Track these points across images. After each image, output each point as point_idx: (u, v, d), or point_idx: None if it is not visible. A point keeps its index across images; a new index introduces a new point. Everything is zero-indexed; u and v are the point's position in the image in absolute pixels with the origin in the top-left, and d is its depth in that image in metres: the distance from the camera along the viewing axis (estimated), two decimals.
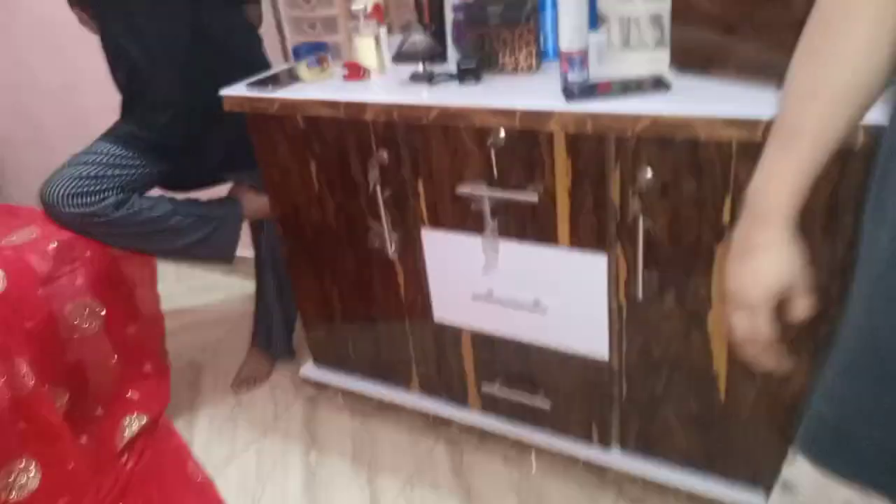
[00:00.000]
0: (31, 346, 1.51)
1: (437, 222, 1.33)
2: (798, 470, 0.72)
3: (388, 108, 1.24)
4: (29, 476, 1.49)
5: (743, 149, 0.97)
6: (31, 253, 1.59)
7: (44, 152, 2.66)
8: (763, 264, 0.68)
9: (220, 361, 2.03)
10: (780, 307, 0.70)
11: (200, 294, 2.41)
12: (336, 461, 1.62)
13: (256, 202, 1.75)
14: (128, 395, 1.68)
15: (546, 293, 1.28)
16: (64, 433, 1.50)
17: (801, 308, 0.70)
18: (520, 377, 1.42)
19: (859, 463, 0.63)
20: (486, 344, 1.43)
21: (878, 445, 0.61)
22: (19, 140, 2.88)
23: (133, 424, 1.66)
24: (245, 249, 2.22)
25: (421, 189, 1.31)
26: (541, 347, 1.35)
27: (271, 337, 1.95)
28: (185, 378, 1.97)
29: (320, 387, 1.78)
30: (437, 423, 1.64)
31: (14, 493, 1.46)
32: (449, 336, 1.47)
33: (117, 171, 1.57)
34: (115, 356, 1.70)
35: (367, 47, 1.36)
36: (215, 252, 1.75)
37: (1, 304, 1.49)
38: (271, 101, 1.37)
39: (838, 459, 0.65)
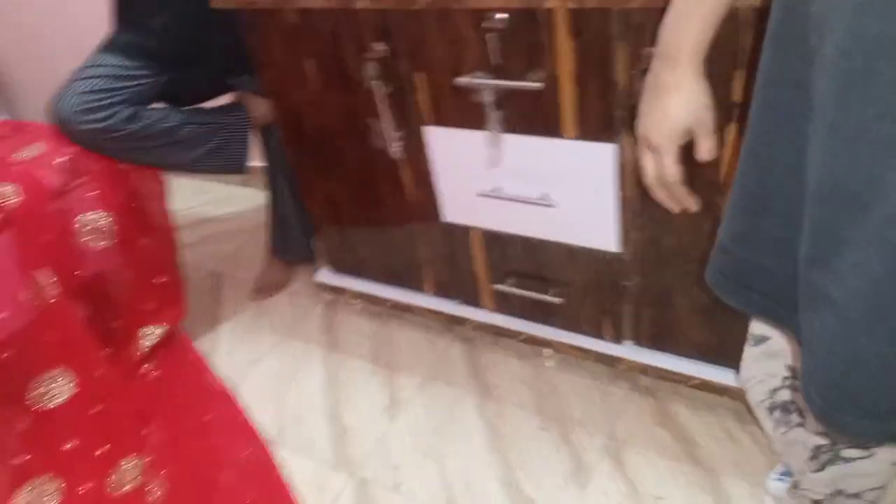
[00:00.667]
0: (49, 260, 1.54)
1: (440, 118, 1.29)
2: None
3: None
4: (63, 385, 1.55)
5: (757, 14, 0.89)
6: (41, 168, 1.59)
7: (44, 68, 2.63)
8: (671, 103, 0.72)
9: (240, 271, 2.06)
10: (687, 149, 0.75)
11: (217, 206, 2.41)
12: (356, 362, 1.65)
13: (263, 106, 1.71)
14: (144, 307, 1.72)
15: (554, 187, 1.24)
16: (90, 342, 1.55)
17: (706, 149, 0.75)
18: (531, 274, 1.41)
19: (739, 284, 0.72)
20: (496, 242, 1.41)
21: (755, 266, 0.69)
22: (18, 57, 2.85)
23: (150, 335, 1.71)
24: (258, 160, 2.19)
25: (420, 83, 1.25)
26: (550, 243, 1.32)
27: (288, 244, 1.95)
28: (205, 288, 2.00)
29: (337, 292, 1.80)
30: (452, 323, 1.65)
31: (48, 402, 1.53)
32: (458, 236, 1.45)
33: (125, 84, 1.53)
34: (129, 269, 1.73)
35: None
36: (228, 163, 1.74)
37: (16, 219, 1.51)
38: None
39: (725, 282, 0.74)
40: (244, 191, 2.46)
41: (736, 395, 1.28)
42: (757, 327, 0.82)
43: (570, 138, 1.16)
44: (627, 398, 1.41)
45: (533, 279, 1.41)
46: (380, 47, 1.25)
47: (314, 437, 1.48)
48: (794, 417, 0.83)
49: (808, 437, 0.81)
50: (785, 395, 0.83)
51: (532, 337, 1.49)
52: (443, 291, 1.60)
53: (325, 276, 1.80)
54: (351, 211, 1.60)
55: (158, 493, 1.40)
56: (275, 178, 1.89)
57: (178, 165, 1.71)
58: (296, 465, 1.40)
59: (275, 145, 1.83)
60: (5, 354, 1.50)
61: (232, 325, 1.86)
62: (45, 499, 1.43)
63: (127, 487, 1.39)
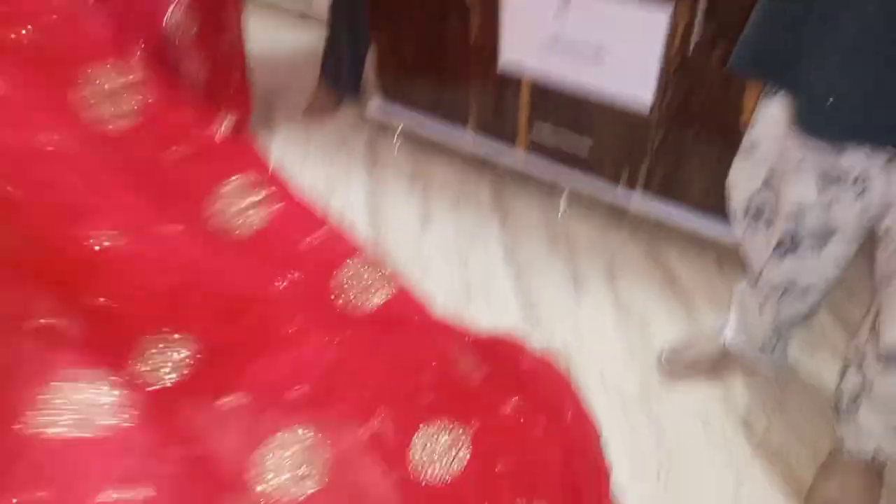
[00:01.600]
0: (140, 42, 1.71)
1: None
2: (757, 130, 1.00)
3: None
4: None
5: None
6: None
7: None
8: None
9: (291, 93, 2.24)
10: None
11: (269, 42, 2.55)
12: (394, 181, 1.88)
13: None
14: (219, 98, 1.90)
15: (608, 43, 1.44)
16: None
17: None
18: (568, 121, 1.62)
19: (760, 61, 0.93)
20: (543, 89, 1.61)
21: (770, 44, 0.90)
22: None
23: (223, 122, 1.90)
24: (316, 5, 2.33)
25: None
26: (592, 94, 1.53)
27: (340, 75, 2.13)
28: (258, 110, 2.18)
29: (383, 127, 2.00)
30: (485, 165, 1.87)
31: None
32: (511, 78, 1.65)
33: None
34: (207, 64, 1.91)
35: None
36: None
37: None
38: None
39: (750, 62, 0.95)
40: (302, 21, 2.60)
41: (721, 247, 1.53)
42: (751, 133, 1.05)
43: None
44: (627, 242, 1.66)
45: (569, 126, 1.62)
46: None
47: (356, 231, 1.72)
48: (762, 223, 1.08)
49: (773, 233, 1.06)
50: (759, 199, 1.07)
51: (555, 185, 1.72)
52: (484, 130, 1.81)
53: (375, 106, 1.99)
54: (415, 47, 1.78)
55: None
56: (336, 11, 2.04)
57: None
58: None
59: None
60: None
61: (283, 136, 2.06)
62: None
63: None
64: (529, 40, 1.54)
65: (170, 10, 1.80)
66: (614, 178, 1.63)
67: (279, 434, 0.91)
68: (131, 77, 1.02)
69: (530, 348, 1.36)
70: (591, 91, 1.53)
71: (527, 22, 1.53)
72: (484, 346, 1.34)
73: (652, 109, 1.47)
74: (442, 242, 1.68)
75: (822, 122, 0.82)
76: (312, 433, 1.02)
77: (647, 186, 1.59)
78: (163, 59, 1.80)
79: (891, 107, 0.76)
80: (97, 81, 0.96)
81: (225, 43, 1.94)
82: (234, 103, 1.92)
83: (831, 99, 0.79)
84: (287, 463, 0.90)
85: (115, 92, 0.98)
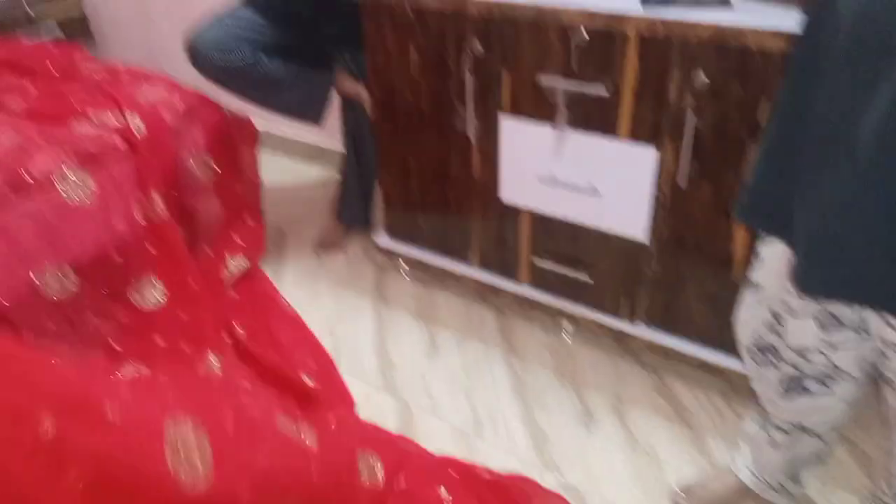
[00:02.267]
0: (161, 185, 1.82)
1: (516, 110, 1.56)
2: (760, 270, 1.02)
3: (489, 5, 1.46)
4: (156, 292, 1.82)
5: (783, 59, 1.17)
6: (164, 109, 1.88)
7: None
8: None
9: (302, 230, 2.33)
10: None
11: (283, 176, 2.69)
12: (401, 314, 1.91)
13: (349, 83, 2.01)
14: (233, 239, 1.99)
15: (602, 179, 1.51)
16: (187, 258, 1.82)
17: None
18: (567, 254, 1.67)
19: (758, 213, 0.96)
20: (543, 223, 1.67)
21: (770, 198, 0.93)
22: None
23: (235, 264, 1.98)
24: (327, 141, 2.49)
25: (506, 78, 1.53)
26: (590, 228, 1.59)
27: (349, 209, 2.23)
28: (272, 240, 2.27)
29: (390, 255, 2.06)
30: (489, 294, 1.91)
31: (146, 304, 1.80)
32: (511, 215, 1.72)
33: (255, 36, 1.85)
34: (224, 206, 2.01)
35: None
36: (309, 111, 2.04)
37: (140, 148, 1.79)
38: None
39: (749, 213, 0.99)
40: (308, 167, 2.75)
41: (727, 377, 1.53)
42: (754, 275, 1.07)
43: (623, 139, 1.43)
44: (633, 370, 1.66)
45: (569, 259, 1.67)
46: (477, 46, 1.53)
47: (365, 365, 1.73)
48: (771, 358, 1.08)
49: (781, 372, 1.06)
50: (768, 339, 1.08)
51: (559, 310, 1.74)
52: (487, 263, 1.86)
53: (382, 239, 2.06)
54: (419, 183, 1.87)
55: (241, 385, 1.65)
56: (348, 151, 2.17)
57: (274, 105, 2.01)
58: (349, 385, 1.65)
59: (353, 122, 2.12)
60: (118, 260, 1.77)
61: (293, 272, 2.12)
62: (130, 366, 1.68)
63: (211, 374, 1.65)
64: (527, 177, 1.63)
65: (190, 157, 1.93)
66: (615, 308, 1.65)
67: None
68: None
69: (542, 490, 1.34)
70: (589, 225, 1.59)
71: (524, 160, 1.62)
72: (498, 487, 1.32)
73: (647, 243, 1.52)
74: (449, 375, 1.69)
75: (814, 282, 0.84)
76: None
77: (648, 316, 1.61)
78: (183, 204, 1.91)
79: (874, 268, 0.77)
80: None
81: (241, 185, 2.05)
82: (247, 244, 2.01)
83: (820, 257, 0.81)
84: None
85: None
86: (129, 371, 1.70)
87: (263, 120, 2.18)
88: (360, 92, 1.97)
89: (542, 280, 1.76)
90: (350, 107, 2.11)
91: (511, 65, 1.51)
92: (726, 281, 1.44)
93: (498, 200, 1.72)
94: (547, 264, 1.71)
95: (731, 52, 1.22)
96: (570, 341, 1.76)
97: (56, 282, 1.66)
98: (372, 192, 2.24)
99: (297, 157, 2.79)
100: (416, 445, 1.46)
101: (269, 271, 2.09)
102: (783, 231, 0.95)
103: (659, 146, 1.40)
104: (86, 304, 1.72)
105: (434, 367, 1.71)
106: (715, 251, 1.43)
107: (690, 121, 1.32)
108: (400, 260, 2.05)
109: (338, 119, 2.17)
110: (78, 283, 1.70)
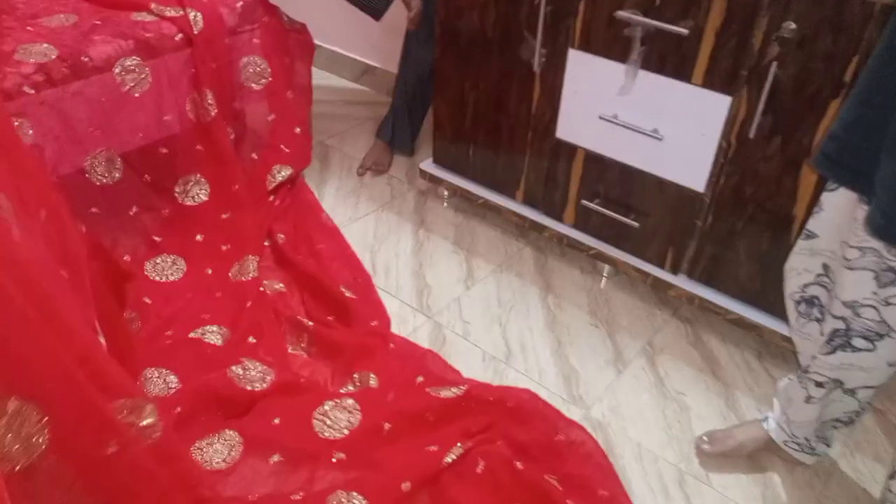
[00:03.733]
0: (214, 84, 1.80)
1: (587, 44, 1.52)
2: (818, 220, 1.01)
3: None
4: (200, 189, 1.83)
5: (883, 11, 1.12)
6: (222, 6, 1.85)
7: None
8: None
9: (346, 147, 2.32)
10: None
11: (330, 93, 2.66)
12: (440, 240, 1.92)
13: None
14: (279, 148, 1.98)
15: (666, 124, 1.48)
16: (233, 159, 1.82)
17: None
18: (617, 199, 1.65)
19: (839, 163, 0.96)
20: (597, 164, 1.65)
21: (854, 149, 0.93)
22: None
23: (280, 173, 1.97)
24: (379, 60, 2.45)
25: (582, 10, 1.49)
26: (645, 173, 1.57)
27: (396, 133, 2.21)
28: (315, 154, 2.26)
29: (434, 182, 2.05)
30: (530, 231, 1.90)
31: (188, 199, 1.81)
32: (565, 152, 1.70)
33: None
34: (273, 114, 2.00)
35: None
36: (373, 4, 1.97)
37: (197, 42, 1.77)
38: None
39: (829, 163, 0.98)
40: (355, 85, 2.71)
41: (763, 336, 1.53)
42: (811, 223, 1.06)
43: (696, 84, 1.40)
44: (668, 320, 1.67)
45: (618, 203, 1.66)
46: None
47: (401, 284, 1.75)
48: (815, 312, 1.08)
49: (826, 326, 1.06)
50: (814, 290, 1.08)
51: (600, 253, 1.74)
52: (531, 201, 1.85)
53: (428, 165, 2.05)
54: (474, 112, 1.84)
55: (275, 287, 1.67)
56: (404, 70, 2.14)
57: None
58: (384, 302, 1.67)
59: (411, 45, 2.07)
60: (164, 151, 1.77)
61: (336, 188, 2.12)
62: (171, 272, 1.71)
63: (245, 278, 1.67)
64: (588, 115, 1.60)
65: (244, 59, 1.91)
66: (660, 259, 1.65)
67: None
68: None
69: (565, 418, 1.36)
70: (645, 170, 1.56)
71: (587, 97, 1.59)
72: (522, 413, 1.34)
73: (704, 193, 1.50)
74: (483, 304, 1.70)
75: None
76: None
77: (692, 269, 1.60)
78: (234, 106, 1.90)
79: None
80: None
81: (292, 94, 2.03)
82: (293, 153, 2.00)
83: None
84: None
85: None
86: (167, 262, 1.72)
87: (318, 34, 2.14)
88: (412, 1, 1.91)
89: (586, 222, 1.75)
90: (410, 37, 2.07)
91: None
92: (781, 241, 1.42)
93: (553, 137, 1.70)
94: (594, 207, 1.69)
95: (827, 1, 1.18)
96: (607, 286, 1.77)
97: (104, 167, 1.67)
98: (421, 117, 2.21)
99: (346, 74, 2.75)
100: (444, 362, 1.49)
101: (311, 184, 2.08)
102: (860, 183, 0.93)
103: (733, 94, 1.36)
104: (130, 193, 1.73)
105: (469, 295, 1.73)
106: (775, 208, 1.41)
107: (772, 71, 1.28)
108: (443, 188, 2.04)
109: (391, 39, 2.13)
110: (124, 171, 1.71)
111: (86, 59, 1.59)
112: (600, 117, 1.57)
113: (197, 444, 1.26)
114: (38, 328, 0.88)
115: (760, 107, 1.33)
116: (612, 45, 1.48)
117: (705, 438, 1.34)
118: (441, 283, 1.76)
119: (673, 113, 1.46)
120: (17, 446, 0.86)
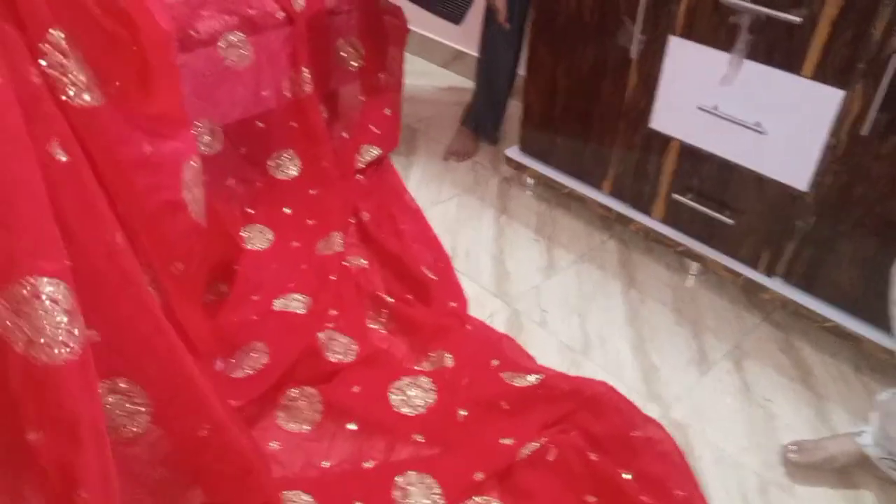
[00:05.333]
0: (311, 62, 1.85)
1: (689, 31, 1.47)
2: None
3: None
4: (291, 165, 1.88)
5: None
6: None
7: None
8: None
9: (433, 132, 2.33)
10: None
11: (419, 78, 2.68)
12: (521, 227, 1.90)
13: None
14: (369, 129, 2.02)
15: (770, 118, 1.41)
16: (325, 137, 1.86)
17: None
18: (712, 194, 1.59)
19: None
20: (692, 157, 1.59)
21: None
22: None
23: (368, 153, 2.01)
24: (468, 46, 2.44)
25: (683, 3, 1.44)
26: (744, 168, 1.50)
27: (479, 118, 2.21)
28: (402, 137, 2.28)
29: (518, 169, 2.03)
30: (615, 223, 1.86)
31: (280, 174, 1.86)
32: (658, 144, 1.64)
33: None
34: (364, 95, 2.03)
35: None
36: (451, 11, 2.01)
37: (297, 20, 1.81)
38: None
39: None
40: (443, 71, 2.73)
41: (861, 347, 1.43)
42: None
43: (806, 76, 1.32)
44: (759, 324, 1.59)
45: (712, 199, 1.59)
46: None
47: (481, 269, 1.75)
48: None
49: None
50: None
51: (689, 250, 1.68)
52: (618, 193, 1.80)
53: (513, 152, 2.03)
54: (565, 99, 1.81)
55: (358, 263, 1.71)
56: (484, 59, 2.12)
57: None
58: (463, 285, 1.67)
59: (491, 31, 2.05)
60: (260, 125, 1.83)
61: (421, 172, 2.14)
62: (260, 242, 1.77)
63: (329, 252, 1.71)
64: (686, 106, 1.54)
65: (340, 40, 1.95)
66: (754, 259, 1.57)
67: None
68: None
69: (642, 414, 1.32)
70: (744, 165, 1.50)
71: (686, 87, 1.53)
72: (598, 406, 1.31)
73: (807, 192, 1.42)
74: (563, 294, 1.67)
75: None
76: None
77: (788, 272, 1.52)
78: (328, 85, 1.94)
79: None
80: None
81: (384, 76, 2.06)
82: (382, 134, 2.03)
83: None
84: None
85: None
86: (255, 231, 1.78)
87: (410, 17, 2.16)
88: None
89: (676, 217, 1.69)
90: (490, 15, 2.05)
91: None
92: (890, 247, 1.33)
93: (647, 128, 1.65)
94: (686, 201, 1.63)
95: None
96: (694, 284, 1.70)
97: (207, 137, 1.74)
98: (503, 104, 2.20)
99: (436, 60, 2.77)
100: (520, 348, 1.47)
101: (397, 166, 2.11)
102: None
103: (847, 88, 1.28)
104: (228, 165, 1.80)
105: (548, 284, 1.70)
106: (885, 212, 1.32)
107: (892, 65, 1.20)
108: (527, 176, 2.02)
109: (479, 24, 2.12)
110: (223, 143, 1.78)
111: (193, 33, 1.66)
112: (699, 108, 1.51)
113: (282, 402, 1.31)
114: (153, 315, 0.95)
115: (877, 103, 1.24)
116: (716, 32, 1.42)
117: (793, 448, 1.27)
118: (520, 271, 1.75)
119: (778, 106, 1.39)
120: (124, 420, 0.93)
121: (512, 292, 1.68)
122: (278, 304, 1.55)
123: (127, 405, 0.95)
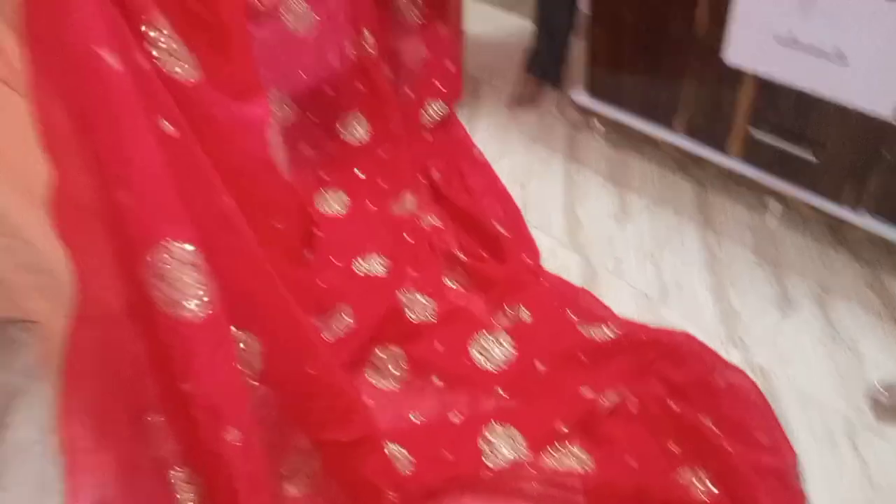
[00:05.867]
0: (372, 23, 1.85)
1: None
2: None
3: None
4: (360, 127, 1.91)
5: None
6: None
7: None
8: None
9: (496, 81, 2.30)
10: None
11: (480, 24, 2.63)
12: (592, 175, 1.88)
13: None
14: (433, 83, 2.01)
15: (853, 44, 1.33)
16: (390, 97, 1.88)
17: None
18: (792, 128, 1.52)
19: None
20: (769, 91, 1.52)
21: None
22: None
23: (433, 108, 2.01)
24: None
25: None
26: (826, 100, 1.42)
27: (541, 63, 2.16)
28: (466, 89, 2.27)
29: (585, 114, 1.99)
30: (690, 164, 1.81)
31: (349, 136, 1.90)
32: (732, 79, 1.57)
33: None
34: (429, 49, 2.02)
35: None
36: None
37: None
38: None
39: None
40: (507, 14, 2.66)
41: None
42: None
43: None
44: (845, 262, 1.54)
45: (793, 133, 1.52)
46: None
47: (552, 220, 1.75)
48: None
49: None
50: None
51: (768, 189, 1.62)
52: (692, 131, 1.75)
53: (580, 96, 1.99)
54: (631, 38, 1.75)
55: (431, 221, 1.75)
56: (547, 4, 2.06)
57: None
58: (535, 238, 1.68)
59: None
60: (330, 93, 1.86)
61: (486, 123, 2.13)
62: (336, 207, 1.83)
63: (403, 213, 1.75)
64: (761, 37, 1.46)
65: None
66: (837, 193, 1.51)
67: None
68: None
69: (722, 361, 1.32)
70: (826, 96, 1.42)
71: (761, 16, 1.45)
72: (678, 354, 1.32)
73: (893, 121, 1.34)
74: (637, 241, 1.66)
75: None
76: None
77: (875, 204, 1.46)
78: (388, 41, 1.94)
79: None
80: None
81: (445, 29, 2.04)
82: (446, 89, 2.02)
83: None
84: None
85: None
86: (331, 196, 1.84)
87: None
88: None
89: (755, 154, 1.63)
90: None
91: None
92: None
93: (720, 62, 1.57)
94: (765, 137, 1.57)
95: None
96: (775, 223, 1.65)
97: (277, 109, 1.79)
98: (565, 46, 2.14)
99: (496, 5, 2.71)
100: (596, 300, 1.49)
101: (461, 119, 2.11)
102: None
103: None
104: (300, 133, 1.85)
105: (622, 232, 1.69)
106: None
107: None
108: (595, 120, 1.98)
109: None
110: (295, 111, 1.83)
111: (259, 5, 1.69)
112: (775, 38, 1.43)
113: (370, 360, 1.39)
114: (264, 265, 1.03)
115: None
116: None
117: (883, 389, 1.25)
118: (592, 219, 1.74)
119: (862, 31, 1.30)
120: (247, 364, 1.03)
121: (585, 241, 1.68)
122: (359, 267, 1.61)
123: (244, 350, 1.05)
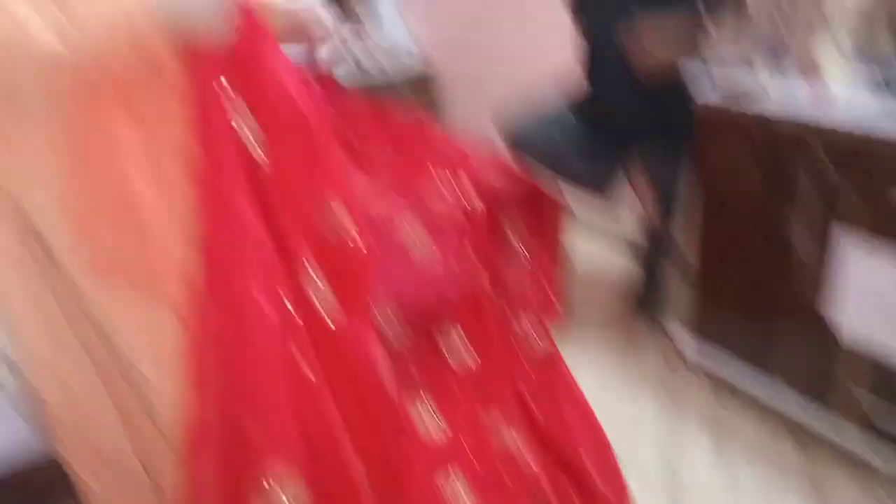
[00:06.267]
0: (485, 256, 1.98)
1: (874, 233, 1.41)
2: None
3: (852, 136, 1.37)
4: (462, 348, 1.97)
5: None
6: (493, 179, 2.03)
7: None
8: None
9: (593, 313, 2.37)
10: None
11: (594, 253, 2.76)
12: (693, 430, 1.82)
13: (638, 183, 2.03)
14: (530, 298, 2.07)
15: None
16: (494, 323, 1.95)
17: None
18: None
19: None
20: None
21: None
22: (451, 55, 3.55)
23: (528, 325, 2.04)
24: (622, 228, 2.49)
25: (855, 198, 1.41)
26: None
27: (645, 304, 2.25)
28: (566, 322, 2.32)
29: (691, 363, 1.97)
30: (798, 430, 1.72)
31: (451, 359, 1.95)
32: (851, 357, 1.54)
33: (562, 137, 1.97)
34: (529, 280, 2.12)
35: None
36: (596, 180, 2.11)
37: (475, 222, 1.96)
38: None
39: None
40: (600, 248, 2.80)
41: None
42: None
43: None
44: None
45: None
46: (831, 173, 1.43)
47: (648, 470, 1.68)
48: None
49: None
50: None
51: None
52: (803, 398, 1.68)
53: (686, 344, 1.99)
54: (740, 297, 1.78)
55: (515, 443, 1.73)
56: (647, 245, 2.18)
57: (566, 172, 2.06)
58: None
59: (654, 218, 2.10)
60: (437, 314, 1.96)
61: (580, 354, 2.15)
62: (434, 432, 1.83)
63: (496, 439, 1.74)
64: (874, 309, 1.44)
65: (511, 228, 2.08)
66: None
67: None
68: None
69: None
70: None
71: (869, 288, 1.45)
72: None
73: None
74: None
75: None
76: None
77: None
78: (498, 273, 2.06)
79: None
80: None
81: (547, 261, 2.15)
82: (543, 306, 2.09)
83: None
84: None
85: None
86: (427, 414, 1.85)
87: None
88: (643, 199, 1.95)
89: (876, 428, 1.54)
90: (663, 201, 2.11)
91: (867, 194, 1.38)
92: None
93: (837, 341, 1.55)
94: (887, 411, 1.49)
95: None
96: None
97: (389, 326, 1.90)
98: (664, 279, 2.20)
99: (607, 243, 2.86)
100: None
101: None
102: None
103: None
104: (408, 356, 1.92)
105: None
106: None
107: None
108: (701, 372, 1.96)
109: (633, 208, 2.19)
110: (403, 329, 1.92)
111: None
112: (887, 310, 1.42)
113: None
114: None
115: None
116: None
117: None
118: (698, 487, 1.65)
119: None
120: None
121: None
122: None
123: None
